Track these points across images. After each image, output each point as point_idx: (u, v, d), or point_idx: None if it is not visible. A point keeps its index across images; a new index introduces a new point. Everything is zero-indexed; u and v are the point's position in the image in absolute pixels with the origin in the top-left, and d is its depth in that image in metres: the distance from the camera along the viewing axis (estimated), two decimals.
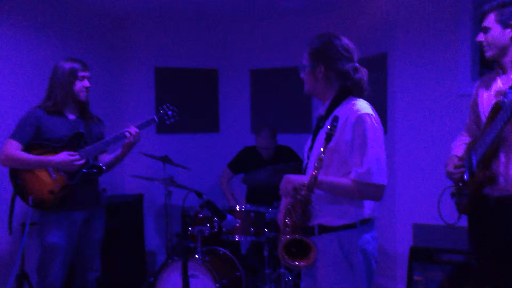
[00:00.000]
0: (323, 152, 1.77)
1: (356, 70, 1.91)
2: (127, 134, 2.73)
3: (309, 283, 1.99)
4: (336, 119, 1.79)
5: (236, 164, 4.07)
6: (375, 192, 1.81)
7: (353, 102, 1.88)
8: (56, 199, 2.64)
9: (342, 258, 1.85)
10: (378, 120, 1.86)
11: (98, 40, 4.14)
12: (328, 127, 1.78)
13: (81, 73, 2.71)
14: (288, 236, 1.85)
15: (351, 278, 1.85)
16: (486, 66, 2.40)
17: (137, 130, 2.76)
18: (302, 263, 1.84)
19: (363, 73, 1.92)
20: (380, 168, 1.80)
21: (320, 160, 1.76)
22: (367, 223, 1.90)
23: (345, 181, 1.82)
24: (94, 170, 2.75)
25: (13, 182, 2.68)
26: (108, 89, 4.23)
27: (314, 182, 1.76)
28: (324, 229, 1.88)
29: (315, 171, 1.75)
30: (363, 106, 1.85)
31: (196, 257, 3.06)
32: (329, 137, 1.77)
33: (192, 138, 4.62)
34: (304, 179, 1.82)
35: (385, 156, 1.84)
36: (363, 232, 1.87)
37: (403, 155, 3.57)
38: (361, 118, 1.81)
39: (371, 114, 1.83)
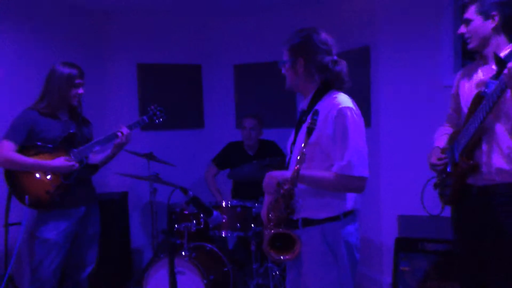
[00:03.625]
0: (305, 146, 1.78)
1: (335, 63, 1.93)
2: (119, 134, 2.80)
3: (295, 276, 2.01)
4: (316, 113, 1.81)
5: (221, 159, 4.06)
6: (357, 184, 1.84)
7: (334, 96, 1.90)
8: (52, 199, 2.68)
9: (326, 250, 1.88)
10: (359, 113, 1.88)
11: (78, 37, 4.06)
12: (309, 121, 1.79)
13: (77, 80, 2.75)
14: (272, 231, 1.87)
15: (335, 269, 1.87)
16: (469, 58, 2.43)
17: (128, 130, 2.83)
18: (287, 257, 1.86)
19: (343, 66, 1.94)
20: (361, 160, 1.82)
21: (302, 154, 1.77)
22: (350, 215, 1.92)
23: (327, 174, 1.84)
24: (89, 169, 2.82)
25: (9, 182, 2.70)
26: (90, 86, 4.11)
27: (297, 177, 1.78)
28: (308, 222, 1.90)
29: (298, 165, 1.77)
30: (343, 99, 1.87)
31: (183, 254, 3.05)
32: (310, 131, 1.79)
33: (177, 135, 4.59)
34: (286, 174, 1.84)
35: (366, 148, 1.86)
36: (346, 224, 1.90)
37: (387, 148, 3.60)
38: (341, 112, 1.83)
39: (352, 108, 1.85)
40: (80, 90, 2.77)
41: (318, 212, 1.89)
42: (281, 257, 1.88)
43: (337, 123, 1.82)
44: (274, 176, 1.88)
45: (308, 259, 1.92)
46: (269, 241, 1.87)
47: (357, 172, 1.81)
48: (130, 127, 2.86)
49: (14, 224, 2.89)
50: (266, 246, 1.87)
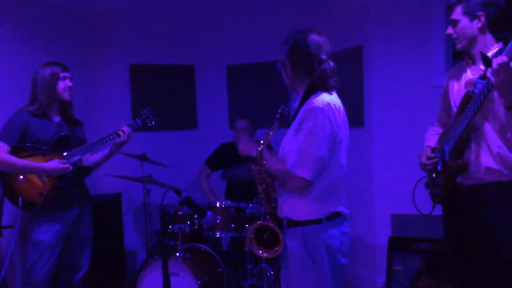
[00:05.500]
0: (273, 129, 1.91)
1: (320, 62, 1.93)
2: (121, 133, 2.82)
3: (285, 273, 2.03)
4: (288, 100, 1.94)
5: (214, 160, 4.06)
6: (295, 183, 1.86)
7: (316, 96, 1.91)
8: (45, 201, 2.67)
9: (305, 253, 1.89)
10: (330, 113, 1.86)
11: (70, 38, 4.05)
12: (282, 106, 1.92)
13: (62, 74, 2.74)
14: (259, 222, 1.95)
15: (314, 274, 1.88)
16: (460, 57, 2.46)
17: (130, 129, 2.86)
18: (265, 254, 1.92)
19: (327, 66, 1.92)
20: (303, 160, 1.83)
21: (267, 135, 1.90)
22: (335, 219, 1.91)
23: (281, 166, 1.91)
24: (83, 171, 2.82)
25: (2, 184, 2.68)
26: (82, 87, 4.15)
27: (261, 157, 1.90)
28: (291, 223, 1.93)
29: (261, 146, 1.89)
30: (320, 99, 1.88)
31: (177, 255, 3.05)
32: (281, 117, 1.91)
33: (170, 135, 4.58)
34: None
35: (318, 150, 1.84)
36: (329, 227, 1.89)
37: (380, 147, 3.61)
38: (308, 111, 1.87)
39: (320, 107, 1.85)
40: (68, 83, 2.75)
41: (299, 213, 1.91)
42: (260, 251, 1.93)
43: (299, 121, 1.88)
44: (254, 145, 2.01)
45: (291, 260, 1.94)
46: (255, 230, 1.93)
47: (296, 170, 1.83)
48: (131, 126, 2.89)
49: (7, 227, 2.87)
50: (251, 235, 1.92)
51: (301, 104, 1.95)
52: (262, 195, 1.95)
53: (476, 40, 2.06)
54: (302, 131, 1.85)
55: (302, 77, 1.96)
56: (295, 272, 1.92)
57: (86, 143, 2.86)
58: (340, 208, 1.93)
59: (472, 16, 2.04)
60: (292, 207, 1.92)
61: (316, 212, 1.88)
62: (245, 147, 2.04)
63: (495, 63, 1.68)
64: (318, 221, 1.88)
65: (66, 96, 2.76)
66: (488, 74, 1.76)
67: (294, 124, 1.93)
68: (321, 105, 1.85)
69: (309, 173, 1.83)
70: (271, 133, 1.88)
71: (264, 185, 1.94)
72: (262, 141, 1.90)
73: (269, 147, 3.99)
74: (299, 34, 1.97)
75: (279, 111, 1.93)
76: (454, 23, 2.10)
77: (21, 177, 2.65)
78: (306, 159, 1.83)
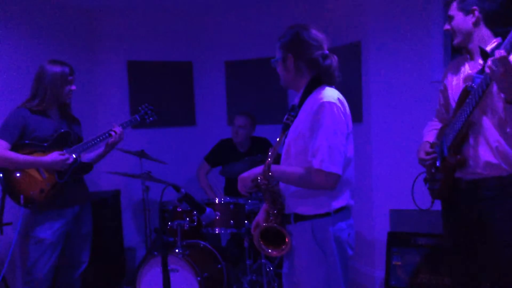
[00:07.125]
0: (279, 141, 1.82)
1: (325, 57, 1.92)
2: (113, 133, 2.82)
3: (288, 267, 2.04)
4: (293, 108, 1.84)
5: (213, 157, 4.05)
6: (326, 180, 1.81)
7: (321, 90, 1.90)
8: (47, 198, 2.67)
9: (315, 246, 1.89)
10: (342, 108, 1.87)
11: (68, 35, 4.03)
12: (286, 116, 1.82)
13: (70, 77, 2.75)
14: (264, 224, 1.92)
15: (324, 265, 1.89)
16: (458, 53, 2.47)
17: (121, 129, 2.86)
18: (274, 252, 1.91)
19: (333, 60, 1.93)
20: (332, 156, 1.80)
21: (274, 149, 1.81)
22: (342, 211, 1.92)
23: (297, 169, 1.86)
24: (83, 168, 2.83)
25: (3, 182, 2.68)
26: (80, 84, 4.10)
27: (268, 170, 1.81)
28: (299, 217, 1.92)
29: (269, 159, 1.80)
30: (327, 94, 1.87)
31: (176, 252, 3.05)
32: (286, 127, 1.82)
33: (169, 132, 4.58)
34: (257, 170, 1.88)
35: (342, 145, 1.83)
36: (337, 220, 1.90)
37: (379, 143, 3.62)
38: (320, 106, 1.83)
39: (333, 102, 1.84)
40: (73, 87, 2.78)
41: (308, 209, 1.90)
42: (269, 250, 1.93)
43: (314, 118, 1.83)
44: (245, 176, 1.92)
45: (298, 254, 1.94)
46: (261, 233, 1.91)
47: (327, 167, 1.79)
48: (122, 126, 2.88)
49: (5, 225, 2.87)
50: (257, 236, 1.90)
51: (303, 99, 1.93)
52: (269, 201, 1.94)
53: (472, 35, 2.07)
54: (320, 127, 1.81)
55: (303, 71, 1.94)
56: (306, 266, 1.91)
57: (83, 141, 2.86)
58: (348, 202, 1.94)
59: (466, 11, 2.05)
60: (301, 203, 1.91)
61: (325, 207, 1.88)
62: (243, 181, 1.94)
63: (493, 57, 1.68)
64: (326, 214, 1.88)
65: (68, 99, 2.79)
66: (486, 68, 1.76)
67: (302, 119, 1.88)
68: (333, 100, 1.84)
69: (340, 168, 1.81)
70: (277, 147, 1.83)
71: (271, 193, 1.92)
72: (270, 154, 1.83)
73: (268, 143, 4.02)
74: (299, 28, 1.94)
75: (284, 120, 1.83)
76: (450, 18, 2.12)
77: (22, 174, 2.65)
78: (335, 154, 1.80)
